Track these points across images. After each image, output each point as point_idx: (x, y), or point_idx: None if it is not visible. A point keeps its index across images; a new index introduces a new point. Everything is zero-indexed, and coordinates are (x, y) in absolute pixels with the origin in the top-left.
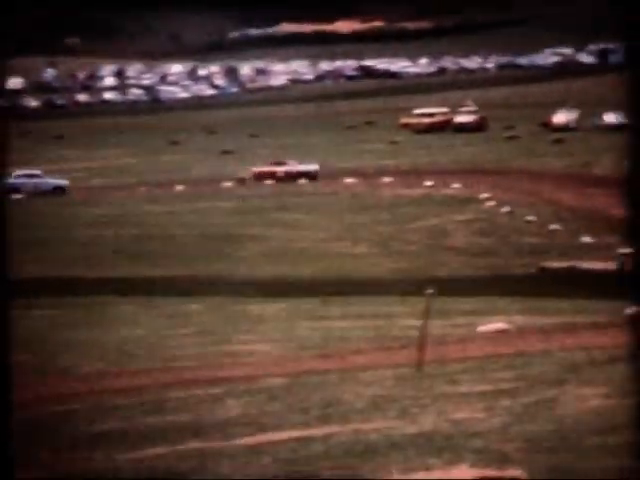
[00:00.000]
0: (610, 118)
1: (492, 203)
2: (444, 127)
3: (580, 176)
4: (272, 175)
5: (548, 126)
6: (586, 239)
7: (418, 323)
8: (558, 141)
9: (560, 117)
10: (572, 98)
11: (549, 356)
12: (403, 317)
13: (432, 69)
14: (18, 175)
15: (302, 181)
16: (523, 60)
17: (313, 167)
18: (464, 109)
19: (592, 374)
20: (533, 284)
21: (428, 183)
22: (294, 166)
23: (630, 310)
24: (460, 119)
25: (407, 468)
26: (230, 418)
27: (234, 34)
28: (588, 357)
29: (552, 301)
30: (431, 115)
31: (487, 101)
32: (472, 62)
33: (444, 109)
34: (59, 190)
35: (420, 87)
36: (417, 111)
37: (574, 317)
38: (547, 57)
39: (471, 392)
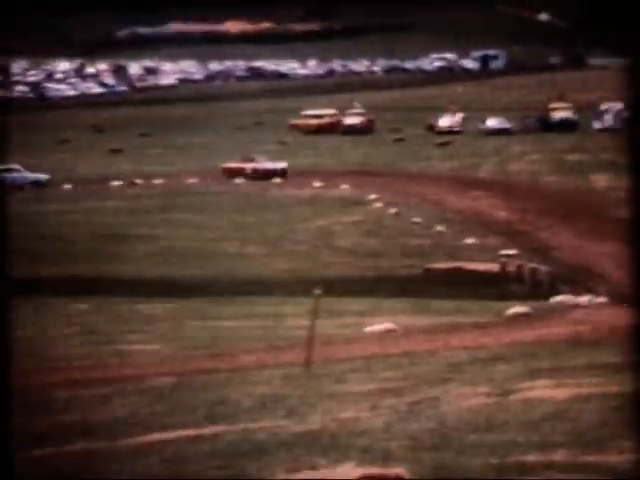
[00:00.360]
0: (493, 122)
1: (379, 205)
2: (333, 129)
3: (464, 179)
4: (241, 172)
5: (433, 129)
6: (470, 241)
7: (306, 323)
8: (443, 144)
9: (445, 121)
10: (456, 102)
11: (433, 356)
12: (291, 317)
13: (321, 71)
14: None
15: (191, 180)
16: (409, 64)
17: (281, 165)
18: (352, 111)
19: (474, 373)
20: (419, 285)
21: (317, 184)
22: (263, 164)
23: (512, 310)
24: (348, 121)
25: (294, 467)
26: (118, 418)
27: (122, 33)
28: (471, 357)
29: (437, 302)
30: (320, 117)
31: (374, 104)
32: (360, 65)
33: (332, 111)
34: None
35: (309, 89)
36: (306, 112)
37: (458, 317)
38: (432, 62)
39: (357, 391)
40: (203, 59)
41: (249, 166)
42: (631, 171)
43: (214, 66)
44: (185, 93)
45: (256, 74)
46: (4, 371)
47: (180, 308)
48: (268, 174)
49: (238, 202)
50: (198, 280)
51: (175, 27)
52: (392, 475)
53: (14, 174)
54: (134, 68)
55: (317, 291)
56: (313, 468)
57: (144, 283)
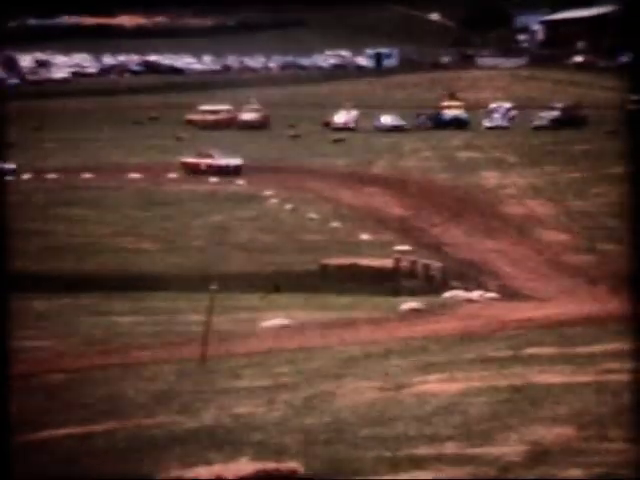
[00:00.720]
0: (386, 120)
1: (275, 200)
2: (229, 124)
3: (359, 175)
4: (197, 168)
5: (329, 126)
6: (365, 237)
7: (202, 319)
8: (338, 141)
9: (340, 117)
10: (351, 99)
11: (328, 351)
12: (187, 313)
13: (216, 66)
14: None
15: (86, 175)
16: (304, 61)
17: (236, 162)
18: (248, 107)
19: (368, 368)
20: (314, 280)
21: (213, 180)
22: (218, 160)
23: (406, 306)
24: (244, 117)
25: (188, 463)
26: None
27: (13, 24)
28: (365, 352)
29: (332, 297)
30: (216, 112)
31: (270, 100)
32: (255, 61)
33: (228, 106)
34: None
35: (205, 84)
36: (202, 108)
37: (353, 313)
38: (327, 59)
39: (253, 386)
40: (97, 53)
41: (204, 162)
42: (631, 173)
43: (108, 60)
44: (79, 87)
45: (151, 68)
46: None
47: (73, 304)
48: (223, 170)
49: (134, 198)
50: (92, 275)
51: (68, 20)
52: (286, 469)
53: None
54: (25, 61)
55: (213, 287)
56: (207, 463)
57: (37, 278)
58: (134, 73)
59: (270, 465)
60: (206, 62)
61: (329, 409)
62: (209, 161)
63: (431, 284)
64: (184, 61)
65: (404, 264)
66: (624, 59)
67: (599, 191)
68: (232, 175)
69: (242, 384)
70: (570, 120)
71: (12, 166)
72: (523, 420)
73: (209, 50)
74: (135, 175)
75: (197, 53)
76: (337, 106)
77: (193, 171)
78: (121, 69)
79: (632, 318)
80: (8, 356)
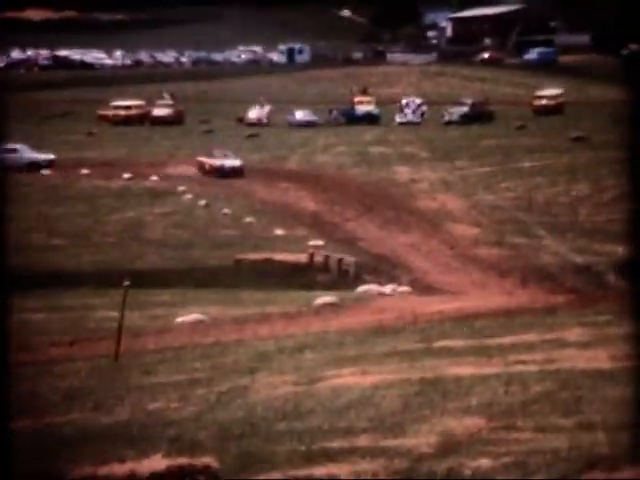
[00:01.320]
0: (300, 115)
1: (189, 196)
2: (142, 119)
3: (273, 170)
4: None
5: (242, 121)
6: (279, 232)
7: (115, 315)
8: (252, 136)
9: (253, 113)
10: (265, 95)
11: (243, 345)
12: (100, 309)
13: (128, 61)
14: None
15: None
16: (217, 56)
17: (237, 163)
18: (161, 102)
19: (282, 362)
20: (229, 276)
21: (126, 175)
22: (220, 160)
23: (320, 300)
24: (157, 112)
25: (101, 460)
26: None
27: None
28: (279, 346)
29: (247, 292)
30: (128, 108)
31: (183, 95)
32: (167, 56)
33: (141, 102)
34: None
35: (116, 79)
36: (114, 103)
37: (267, 307)
38: (239, 54)
39: (167, 382)
40: (4, 47)
41: (209, 162)
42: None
43: (16, 54)
44: None
45: (60, 63)
46: None
47: None
48: (224, 171)
49: (45, 193)
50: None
51: None
52: (200, 465)
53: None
54: None
55: (126, 283)
56: (121, 460)
57: None
58: (43, 68)
59: (184, 461)
60: (117, 57)
61: (243, 404)
62: (211, 161)
63: (345, 278)
64: (94, 56)
65: (318, 259)
66: (529, 56)
67: (508, 185)
68: (232, 177)
69: (156, 380)
70: (479, 115)
71: (50, 156)
72: (434, 412)
73: (120, 45)
74: (46, 171)
75: (108, 48)
76: (250, 102)
77: (204, 171)
78: (30, 64)
79: (549, 310)
80: None
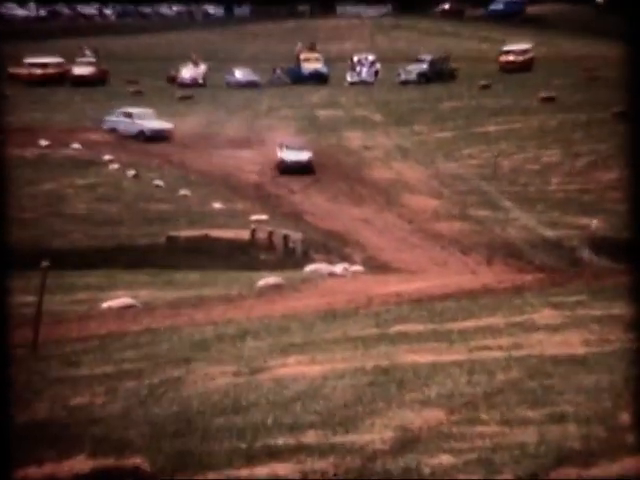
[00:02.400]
0: (240, 74)
1: (116, 166)
2: (60, 79)
3: (210, 137)
4: None
5: (175, 81)
6: (217, 205)
7: (33, 299)
8: (185, 98)
9: (186, 72)
10: (199, 51)
11: (177, 333)
12: (15, 294)
13: (43, 13)
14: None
15: None
16: (145, 8)
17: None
18: (82, 60)
19: (221, 351)
20: (161, 255)
21: (43, 143)
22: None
23: (263, 282)
24: (78, 71)
25: (17, 461)
26: None
27: None
28: (218, 332)
29: (181, 273)
30: (44, 66)
31: (108, 52)
32: (89, 7)
33: (59, 59)
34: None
35: (31, 33)
36: (28, 60)
37: (204, 290)
38: (170, 5)
39: (92, 374)
40: None
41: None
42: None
43: None
44: None
45: None
46: None
47: None
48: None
49: None
50: None
51: None
52: (129, 466)
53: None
54: None
55: (45, 263)
56: (39, 462)
57: None
58: None
59: (110, 462)
60: (30, 8)
61: (177, 397)
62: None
63: (291, 257)
64: (4, 5)
65: (261, 235)
66: (494, 6)
67: (471, 152)
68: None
69: (79, 372)
70: (438, 74)
71: (169, 126)
72: (390, 404)
73: None
74: None
75: None
76: (183, 59)
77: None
78: None
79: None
80: None
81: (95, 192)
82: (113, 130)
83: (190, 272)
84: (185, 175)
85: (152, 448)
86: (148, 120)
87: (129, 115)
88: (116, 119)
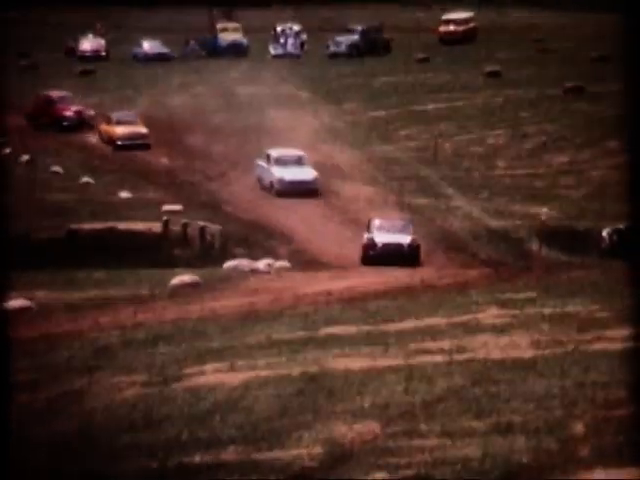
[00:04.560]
0: (148, 46)
1: (7, 150)
2: None
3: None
4: None
5: (74, 54)
6: (125, 194)
7: None
8: (86, 73)
9: (87, 43)
10: (100, 19)
11: (79, 339)
12: None
13: None
14: None
15: None
16: None
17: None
18: None
19: (129, 358)
20: (61, 251)
21: None
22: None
23: (177, 280)
24: None
25: None
26: None
27: None
28: (125, 338)
29: (84, 272)
30: None
31: None
32: None
33: None
34: None
35: None
36: None
37: (110, 290)
38: None
39: None
40: None
41: None
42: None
43: None
44: None
45: None
46: None
47: None
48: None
49: None
50: None
51: None
52: None
53: None
54: None
55: None
56: None
57: None
58: None
59: None
60: None
61: (79, 411)
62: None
63: (208, 252)
64: None
65: (175, 228)
66: None
67: (409, 132)
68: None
69: None
70: (372, 46)
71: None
72: (319, 415)
73: None
74: None
75: None
76: (83, 28)
77: None
78: None
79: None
80: None
81: None
82: None
83: (94, 270)
84: (87, 160)
85: (49, 468)
86: None
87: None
88: None
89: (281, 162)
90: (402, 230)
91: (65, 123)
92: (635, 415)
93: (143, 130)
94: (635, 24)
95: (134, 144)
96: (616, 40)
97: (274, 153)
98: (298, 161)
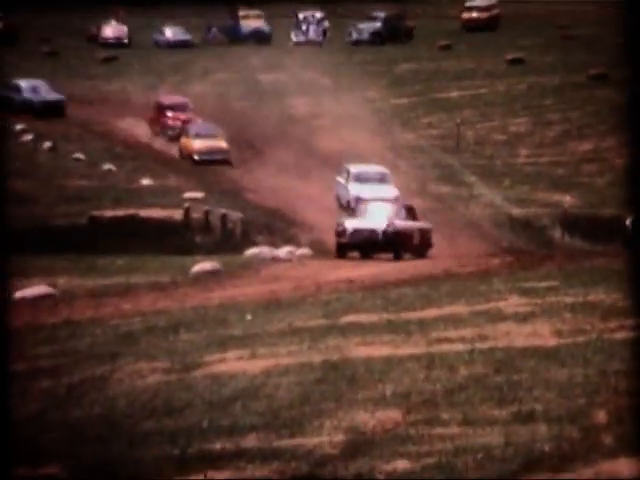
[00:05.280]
0: (170, 33)
1: (29, 137)
2: None
3: (137, 103)
4: None
5: (95, 40)
6: (146, 182)
7: None
8: (109, 60)
9: (110, 29)
10: (122, 6)
11: (101, 325)
12: None
13: None
14: None
15: None
16: None
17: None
18: None
19: (151, 345)
20: (83, 237)
21: None
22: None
23: (199, 267)
24: None
25: None
26: None
27: None
28: (147, 324)
29: (106, 258)
30: None
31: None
32: None
33: None
34: None
35: None
36: None
37: (132, 277)
38: None
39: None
40: None
41: None
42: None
43: None
44: None
45: None
46: None
47: None
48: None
49: None
50: None
51: None
52: (41, 476)
53: None
54: None
55: None
56: None
57: None
58: None
59: (23, 471)
60: None
61: (101, 398)
62: None
63: (230, 239)
64: None
65: (196, 215)
66: None
67: (431, 120)
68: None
69: None
70: (394, 33)
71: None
72: (340, 403)
73: None
74: None
75: None
76: (106, 14)
77: None
78: None
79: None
80: None
81: (5, 166)
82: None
83: (115, 257)
84: (109, 147)
85: (71, 455)
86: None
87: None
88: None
89: (361, 179)
90: (381, 180)
91: (170, 132)
92: None
93: (223, 145)
94: None
95: (213, 159)
96: None
97: (354, 169)
98: (381, 179)
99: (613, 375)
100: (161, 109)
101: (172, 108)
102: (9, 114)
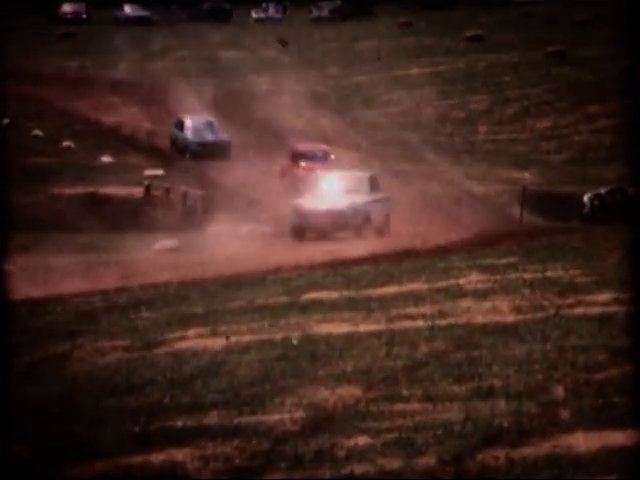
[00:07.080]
0: (129, 10)
1: None
2: None
3: (96, 80)
4: None
5: (56, 16)
6: (106, 159)
7: None
8: (68, 35)
9: (67, 6)
10: None
11: (61, 303)
12: None
13: None
14: None
15: None
16: None
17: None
18: None
19: (111, 322)
20: (41, 215)
21: None
22: None
23: (160, 245)
24: None
25: None
26: None
27: None
28: (107, 303)
29: (66, 236)
30: None
31: None
32: None
33: None
34: None
35: None
36: None
37: (92, 255)
38: None
39: None
40: None
41: None
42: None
43: None
44: None
45: None
46: None
47: None
48: None
49: None
50: None
51: None
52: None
53: None
54: None
55: None
56: None
57: None
58: None
59: None
60: None
61: (61, 376)
62: None
63: (191, 217)
64: None
65: (157, 192)
66: None
67: (391, 98)
68: None
69: None
70: (354, 10)
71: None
72: (301, 380)
73: None
74: None
75: None
76: None
77: None
78: None
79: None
80: None
81: None
82: None
83: (74, 235)
84: (69, 124)
85: (32, 434)
86: None
87: None
88: None
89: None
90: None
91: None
92: (615, 378)
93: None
94: None
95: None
96: (599, 4)
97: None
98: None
99: (571, 351)
100: (295, 157)
101: (308, 157)
102: None
